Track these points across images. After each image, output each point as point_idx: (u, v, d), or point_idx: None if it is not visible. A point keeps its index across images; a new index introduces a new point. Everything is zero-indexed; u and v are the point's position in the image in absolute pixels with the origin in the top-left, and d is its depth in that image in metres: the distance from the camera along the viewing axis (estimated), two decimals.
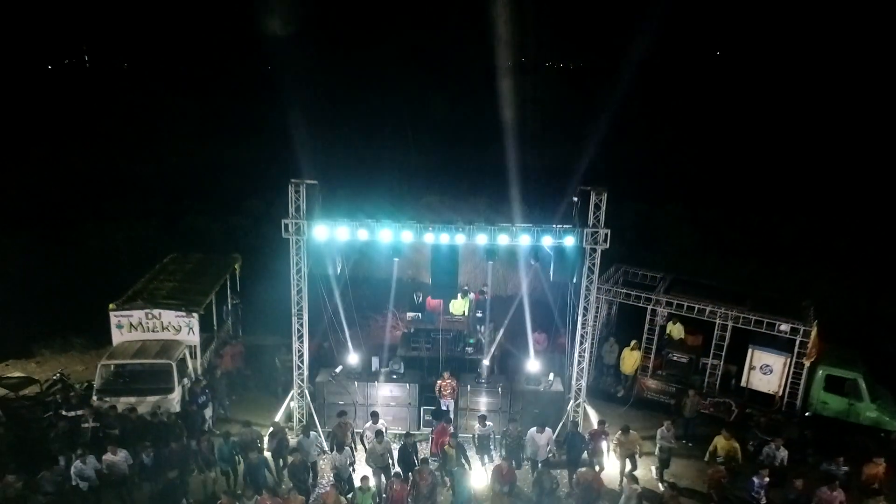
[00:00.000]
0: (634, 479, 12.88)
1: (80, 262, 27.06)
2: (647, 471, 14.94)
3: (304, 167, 20.81)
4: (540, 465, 13.95)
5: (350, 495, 13.24)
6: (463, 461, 13.68)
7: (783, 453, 13.92)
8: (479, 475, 14.37)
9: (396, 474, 13.17)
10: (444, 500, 13.92)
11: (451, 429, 14.93)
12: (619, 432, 14.44)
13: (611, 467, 14.51)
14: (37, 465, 13.56)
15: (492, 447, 15.03)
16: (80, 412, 14.93)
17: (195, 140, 42.49)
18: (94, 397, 15.39)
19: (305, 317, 15.86)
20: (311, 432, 14.54)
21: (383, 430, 14.38)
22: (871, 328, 20.37)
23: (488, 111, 37.74)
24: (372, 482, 13.36)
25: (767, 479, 12.88)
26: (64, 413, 15.13)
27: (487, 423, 14.88)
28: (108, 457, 13.27)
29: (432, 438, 14.82)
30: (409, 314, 18.83)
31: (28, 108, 44.74)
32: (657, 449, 14.78)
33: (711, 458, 14.08)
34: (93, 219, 30.64)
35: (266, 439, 14.61)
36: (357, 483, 12.99)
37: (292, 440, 14.85)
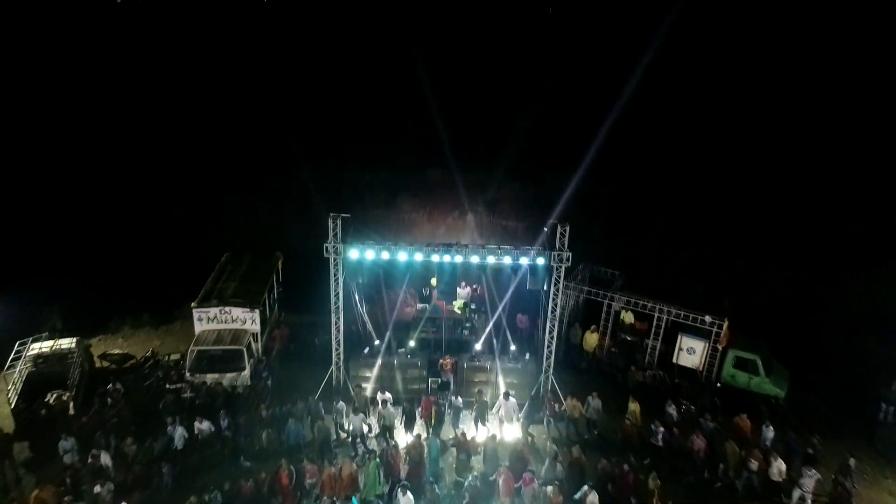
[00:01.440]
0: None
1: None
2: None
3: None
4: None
5: (359, 458, 18.44)
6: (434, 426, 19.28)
7: (673, 410, 19.46)
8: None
9: (395, 446, 18.11)
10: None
11: (434, 399, 20.14)
12: (570, 397, 19.92)
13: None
14: (149, 430, 18.95)
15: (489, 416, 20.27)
16: (180, 385, 20.35)
17: None
18: (188, 374, 20.73)
19: (341, 314, 21.05)
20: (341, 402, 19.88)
21: (389, 399, 19.69)
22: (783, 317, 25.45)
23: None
24: (378, 447, 18.56)
25: (662, 429, 18.38)
26: (168, 386, 20.55)
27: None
28: (197, 424, 18.62)
29: (422, 406, 20.10)
30: (420, 304, 23.94)
31: None
32: (587, 410, 20.03)
33: (630, 417, 19.45)
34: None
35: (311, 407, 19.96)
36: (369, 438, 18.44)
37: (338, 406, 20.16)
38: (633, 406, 19.54)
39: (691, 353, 22.09)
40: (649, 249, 31.14)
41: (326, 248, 20.18)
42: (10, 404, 19.81)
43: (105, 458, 17.12)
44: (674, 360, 22.45)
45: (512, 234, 37.54)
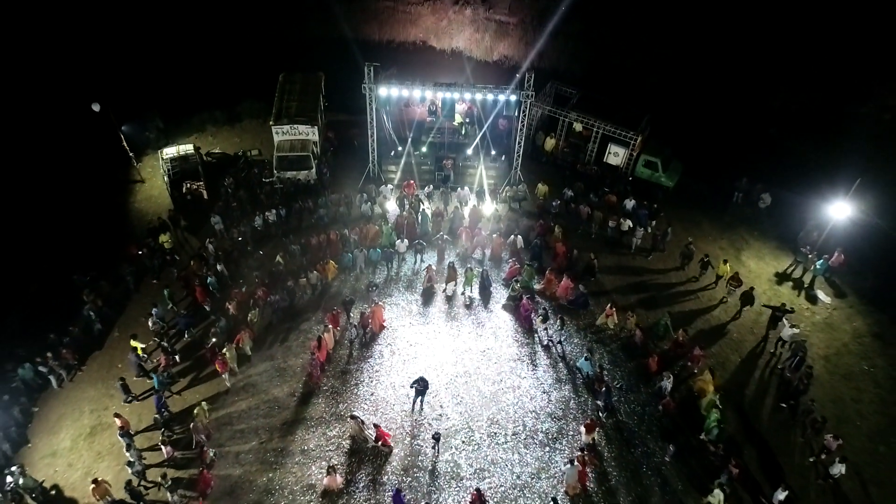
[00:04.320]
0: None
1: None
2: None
3: None
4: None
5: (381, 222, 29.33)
6: (423, 200, 30.06)
7: (570, 193, 30.39)
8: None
9: (400, 215, 29.10)
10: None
11: (414, 183, 30.66)
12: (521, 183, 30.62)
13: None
14: (252, 211, 29.74)
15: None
16: (272, 179, 30.72)
17: None
18: (276, 172, 30.89)
19: (375, 129, 30.49)
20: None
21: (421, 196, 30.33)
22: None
23: None
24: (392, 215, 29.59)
25: (558, 201, 29.63)
26: (263, 179, 30.93)
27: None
28: (268, 214, 29.28)
29: (404, 187, 30.70)
30: (429, 117, 33.09)
31: None
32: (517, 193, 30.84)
33: (538, 193, 30.28)
34: None
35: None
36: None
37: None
38: (543, 188, 30.56)
39: (616, 156, 31.97)
40: (614, 70, 38.71)
41: (363, 87, 28.85)
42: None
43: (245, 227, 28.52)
44: (604, 160, 32.44)
45: (504, 28, 44.33)
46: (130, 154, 31.74)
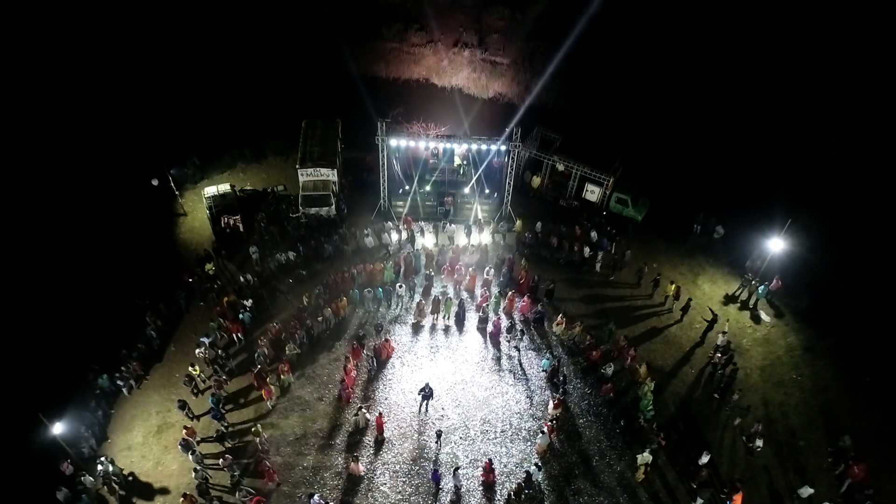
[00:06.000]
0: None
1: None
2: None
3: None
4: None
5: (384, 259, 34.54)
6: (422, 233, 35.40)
7: (540, 225, 35.65)
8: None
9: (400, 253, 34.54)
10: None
11: (410, 218, 35.91)
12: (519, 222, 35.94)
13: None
14: (282, 241, 35.03)
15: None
16: (298, 214, 35.98)
17: None
18: (301, 208, 36.12)
19: (386, 171, 35.74)
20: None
21: (416, 230, 35.59)
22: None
23: None
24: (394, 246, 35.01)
25: (529, 234, 35.10)
26: (291, 214, 36.20)
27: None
28: (284, 255, 34.59)
29: (403, 222, 36.00)
30: (432, 160, 38.35)
31: None
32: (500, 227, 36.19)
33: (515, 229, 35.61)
34: None
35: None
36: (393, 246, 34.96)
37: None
38: (519, 222, 36.13)
39: (592, 193, 37.23)
40: (594, 106, 44.14)
41: (376, 139, 34.11)
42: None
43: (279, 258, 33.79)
44: (583, 196, 37.70)
45: (498, 68, 49.55)
46: (176, 192, 36.98)
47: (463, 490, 25.98)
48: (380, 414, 27.59)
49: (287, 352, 29.90)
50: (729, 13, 41.31)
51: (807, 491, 25.51)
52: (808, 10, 39.08)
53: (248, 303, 31.57)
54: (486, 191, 37.18)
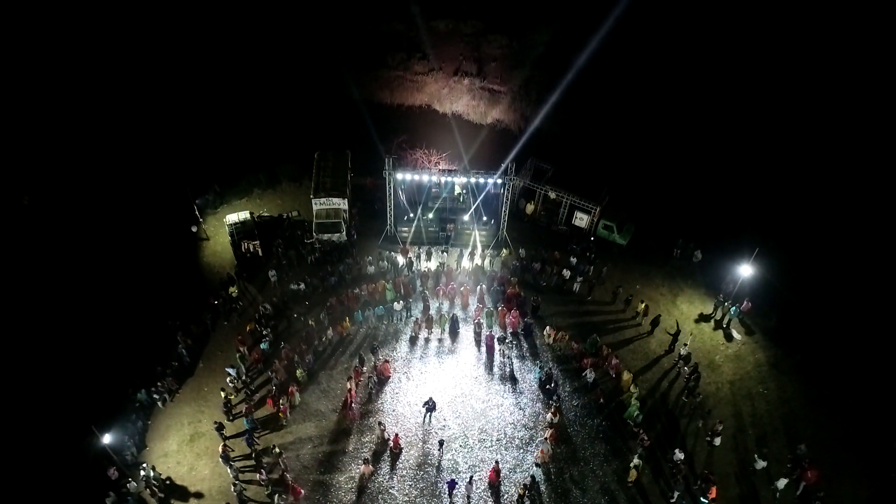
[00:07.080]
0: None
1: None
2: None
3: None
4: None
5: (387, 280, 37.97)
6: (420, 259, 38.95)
7: (523, 251, 39.09)
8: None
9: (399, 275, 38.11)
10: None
11: (408, 248, 39.39)
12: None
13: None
14: (298, 265, 38.50)
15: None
16: (312, 240, 39.40)
17: None
18: (315, 234, 39.53)
19: (392, 200, 39.14)
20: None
21: (413, 257, 39.00)
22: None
23: None
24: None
25: (516, 263, 38.45)
26: (305, 241, 39.61)
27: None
28: (298, 284, 38.04)
29: (402, 249, 39.48)
30: (434, 190, 41.75)
31: None
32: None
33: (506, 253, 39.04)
34: None
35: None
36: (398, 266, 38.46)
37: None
38: (504, 251, 39.58)
39: (581, 220, 40.63)
40: (585, 132, 47.57)
41: (384, 172, 37.53)
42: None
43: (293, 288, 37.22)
44: (573, 223, 41.09)
45: (496, 96, 52.87)
46: (200, 219, 40.42)
47: (473, 500, 29.33)
48: (396, 435, 30.58)
49: (298, 375, 33.19)
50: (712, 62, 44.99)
51: (760, 464, 30.32)
52: (781, 53, 42.65)
53: (267, 331, 34.88)
54: (484, 218, 40.58)
